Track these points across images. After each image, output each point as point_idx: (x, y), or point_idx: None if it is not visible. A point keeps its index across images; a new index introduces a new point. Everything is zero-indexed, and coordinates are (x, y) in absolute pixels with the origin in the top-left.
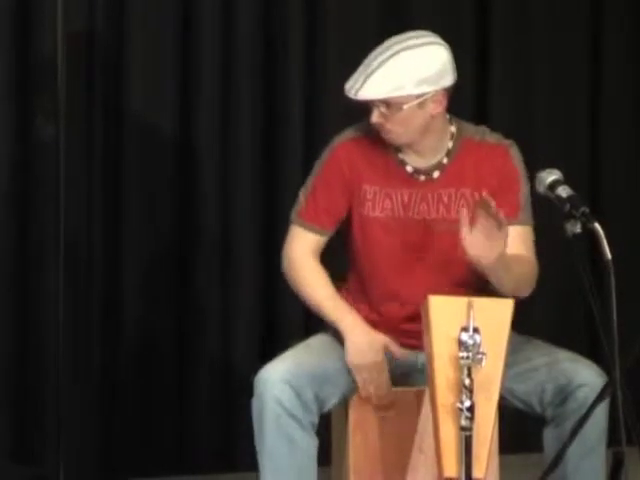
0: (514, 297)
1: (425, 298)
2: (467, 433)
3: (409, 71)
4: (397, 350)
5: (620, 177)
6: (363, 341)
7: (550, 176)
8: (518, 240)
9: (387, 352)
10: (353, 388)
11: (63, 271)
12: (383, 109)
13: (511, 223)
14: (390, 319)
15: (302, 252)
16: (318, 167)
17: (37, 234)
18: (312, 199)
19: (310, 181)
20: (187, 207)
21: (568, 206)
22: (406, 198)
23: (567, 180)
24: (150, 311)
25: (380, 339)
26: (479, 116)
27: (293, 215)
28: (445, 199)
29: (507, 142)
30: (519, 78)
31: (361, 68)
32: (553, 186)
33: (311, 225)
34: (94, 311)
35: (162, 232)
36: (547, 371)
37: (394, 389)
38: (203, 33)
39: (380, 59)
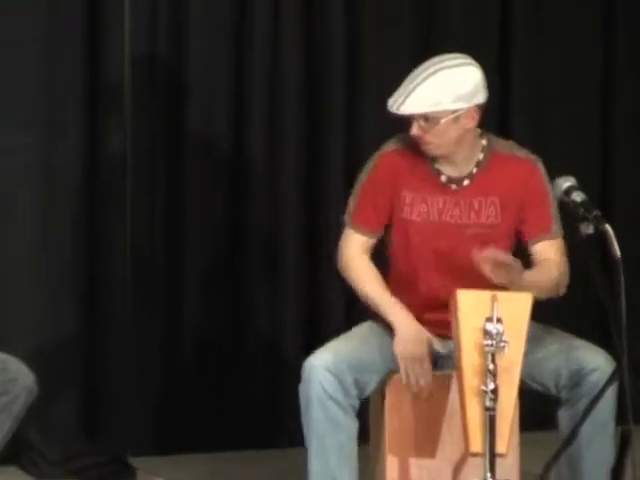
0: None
1: (454, 292)
2: (491, 413)
3: (446, 89)
4: (439, 346)
5: (630, 183)
6: (410, 334)
7: (566, 182)
8: (551, 253)
9: (430, 347)
10: (390, 374)
11: (130, 267)
12: (422, 123)
13: (545, 238)
14: (422, 310)
15: (355, 252)
16: (364, 175)
17: (106, 235)
18: (360, 204)
19: (357, 188)
20: (240, 210)
21: (582, 210)
22: (441, 204)
23: (581, 185)
24: (208, 306)
25: (425, 334)
26: (501, 126)
27: (345, 219)
28: (475, 205)
29: (533, 157)
30: (536, 90)
31: (402, 86)
32: (568, 192)
33: (361, 227)
34: (157, 303)
35: (218, 233)
36: (562, 357)
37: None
38: (254, 56)
39: (420, 78)
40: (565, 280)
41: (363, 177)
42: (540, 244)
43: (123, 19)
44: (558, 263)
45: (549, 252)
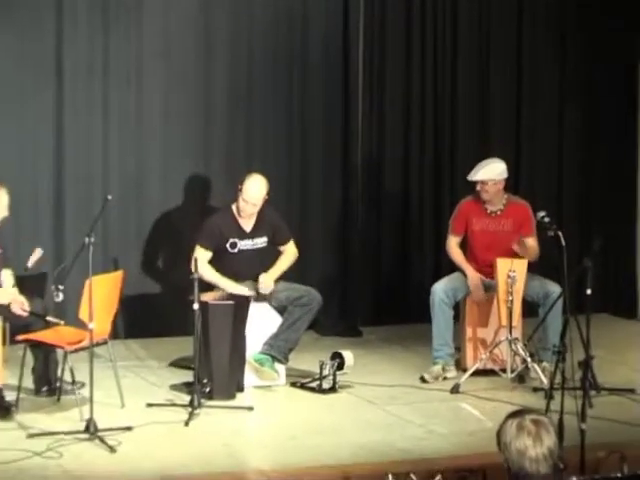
0: (532, 261)
1: (495, 259)
2: (510, 309)
3: (493, 170)
4: (484, 279)
5: (573, 211)
6: (477, 278)
7: (541, 212)
8: (533, 242)
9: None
10: (468, 293)
11: (361, 234)
12: (482, 184)
13: (529, 236)
14: (480, 268)
15: (452, 245)
16: (455, 213)
17: (352, 230)
18: (454, 226)
19: (452, 219)
20: (407, 213)
21: (549, 225)
22: (487, 222)
23: (549, 213)
24: (391, 256)
25: (481, 278)
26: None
27: (449, 232)
28: (503, 224)
29: (525, 203)
30: (537, 167)
31: (474, 169)
32: (543, 217)
33: (455, 234)
34: (370, 250)
35: (393, 225)
36: (540, 286)
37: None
38: (413, 147)
39: (482, 165)
40: (537, 254)
41: (454, 214)
42: (527, 239)
43: (357, 125)
44: (535, 250)
45: (532, 243)
